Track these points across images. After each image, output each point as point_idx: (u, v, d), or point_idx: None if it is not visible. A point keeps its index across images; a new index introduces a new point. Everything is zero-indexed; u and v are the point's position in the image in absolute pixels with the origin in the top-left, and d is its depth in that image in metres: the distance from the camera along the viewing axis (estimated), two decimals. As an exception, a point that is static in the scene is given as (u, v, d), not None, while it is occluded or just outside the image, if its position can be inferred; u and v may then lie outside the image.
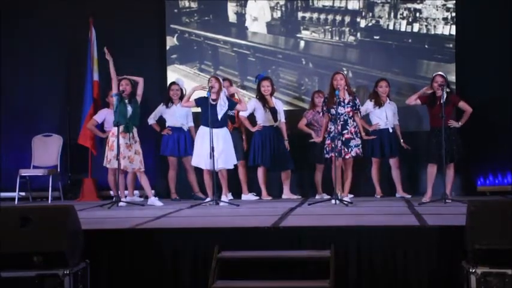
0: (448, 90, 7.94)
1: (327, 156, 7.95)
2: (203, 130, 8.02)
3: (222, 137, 8.02)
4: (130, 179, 8.68)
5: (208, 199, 8.16)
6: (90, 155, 9.49)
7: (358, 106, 8.04)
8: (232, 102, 8.17)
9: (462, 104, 8.12)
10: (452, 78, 9.02)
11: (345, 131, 7.87)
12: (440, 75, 8.00)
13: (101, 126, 9.23)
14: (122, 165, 8.14)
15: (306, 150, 8.92)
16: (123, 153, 8.14)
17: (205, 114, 7.97)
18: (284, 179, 9.03)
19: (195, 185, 8.95)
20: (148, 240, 5.67)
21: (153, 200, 8.30)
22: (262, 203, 8.48)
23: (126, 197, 8.63)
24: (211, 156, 7.79)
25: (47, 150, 9.50)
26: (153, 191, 8.62)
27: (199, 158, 8.07)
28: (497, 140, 9.07)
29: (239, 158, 8.69)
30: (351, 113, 7.97)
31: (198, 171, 8.56)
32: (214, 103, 7.97)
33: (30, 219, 5.08)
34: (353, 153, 7.88)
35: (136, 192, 9.10)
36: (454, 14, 9.34)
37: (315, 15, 9.59)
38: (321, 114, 8.52)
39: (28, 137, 9.54)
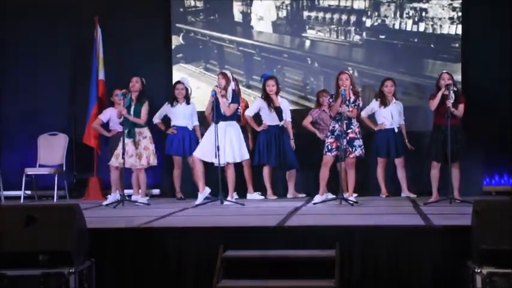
0: (454, 89, 7.91)
1: (329, 154, 7.89)
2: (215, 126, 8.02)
3: (232, 130, 8.05)
4: (135, 178, 8.68)
5: (206, 192, 8.13)
6: (96, 153, 9.50)
7: (359, 104, 7.97)
8: (234, 98, 8.14)
9: (460, 106, 7.97)
10: (458, 77, 8.99)
11: (349, 130, 7.84)
12: (447, 72, 7.98)
13: (107, 126, 9.24)
14: (128, 164, 8.26)
15: (311, 150, 8.91)
16: (130, 151, 8.21)
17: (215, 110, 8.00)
18: (289, 178, 9.03)
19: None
20: (153, 239, 5.67)
21: (138, 197, 8.38)
22: (268, 202, 8.48)
23: (121, 194, 8.56)
24: (217, 155, 7.81)
25: (52, 149, 9.51)
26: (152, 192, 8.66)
27: (204, 151, 8.06)
28: (503, 140, 9.04)
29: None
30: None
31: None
32: (222, 98, 8.00)
33: (36, 218, 5.09)
34: (356, 153, 7.85)
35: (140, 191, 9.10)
36: (460, 14, 9.32)
37: (321, 15, 9.58)
38: (328, 111, 8.51)
39: (34, 135, 9.56)
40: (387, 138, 8.82)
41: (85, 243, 5.31)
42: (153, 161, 8.43)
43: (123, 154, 8.13)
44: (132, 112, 8.33)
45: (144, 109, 8.39)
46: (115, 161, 8.39)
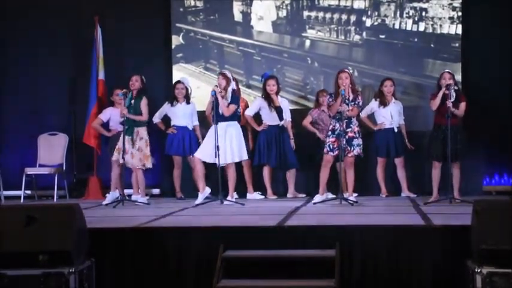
0: (456, 88, 7.91)
1: (331, 153, 7.89)
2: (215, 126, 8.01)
3: (233, 130, 8.05)
4: (135, 178, 8.66)
5: (206, 192, 8.13)
6: (96, 153, 9.50)
7: (358, 102, 7.96)
8: (233, 98, 8.14)
9: (462, 105, 7.97)
10: (458, 77, 8.98)
11: (348, 129, 7.84)
12: (448, 72, 7.98)
13: (107, 125, 9.23)
14: (127, 162, 8.23)
15: (311, 150, 8.91)
16: (129, 150, 8.20)
17: (215, 111, 7.99)
18: (289, 178, 9.03)
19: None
20: (153, 239, 5.68)
21: (138, 197, 8.34)
22: (268, 202, 8.49)
23: (121, 194, 8.54)
24: (217, 155, 7.81)
25: (52, 149, 9.51)
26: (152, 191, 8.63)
27: (205, 153, 8.05)
28: (503, 139, 9.04)
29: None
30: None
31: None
32: (222, 98, 8.00)
33: (36, 218, 5.09)
34: (355, 152, 7.85)
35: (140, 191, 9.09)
36: (460, 13, 9.32)
37: (321, 14, 9.58)
38: (327, 111, 8.51)
39: (34, 135, 9.56)
40: (387, 138, 8.83)
41: (85, 243, 5.31)
42: (148, 164, 8.36)
43: (124, 153, 8.13)
44: (132, 110, 8.29)
45: (144, 105, 8.32)
46: (117, 156, 8.34)
